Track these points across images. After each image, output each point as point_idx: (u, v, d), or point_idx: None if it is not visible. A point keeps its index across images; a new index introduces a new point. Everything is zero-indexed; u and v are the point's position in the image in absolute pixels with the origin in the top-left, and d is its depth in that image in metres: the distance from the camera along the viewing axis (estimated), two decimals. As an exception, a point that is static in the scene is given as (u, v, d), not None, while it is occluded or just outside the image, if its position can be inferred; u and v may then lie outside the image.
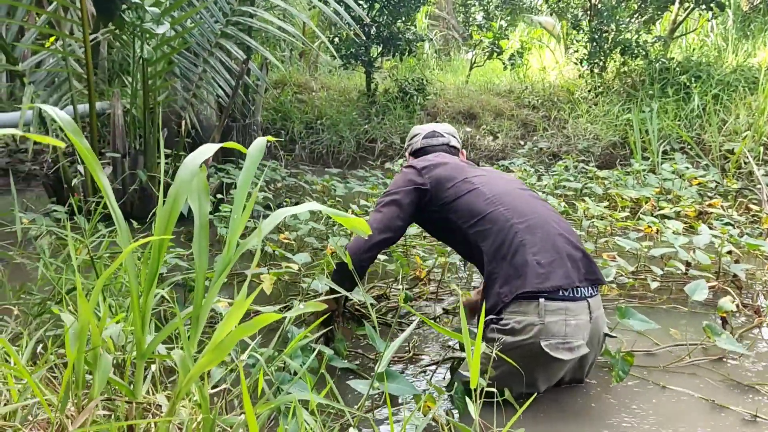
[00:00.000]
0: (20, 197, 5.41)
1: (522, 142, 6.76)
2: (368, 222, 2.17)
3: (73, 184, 4.24)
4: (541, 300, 1.86)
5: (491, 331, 1.94)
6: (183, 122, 4.56)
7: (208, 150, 1.01)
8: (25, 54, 4.46)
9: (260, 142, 1.05)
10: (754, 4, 8.91)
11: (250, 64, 4.84)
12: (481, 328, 1.35)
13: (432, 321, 1.76)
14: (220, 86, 4.54)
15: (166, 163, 4.65)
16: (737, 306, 2.82)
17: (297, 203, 4.76)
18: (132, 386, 1.06)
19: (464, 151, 2.68)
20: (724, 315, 2.51)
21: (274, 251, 3.19)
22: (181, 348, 1.03)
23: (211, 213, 4.19)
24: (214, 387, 1.44)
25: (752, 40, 8.09)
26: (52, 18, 4.15)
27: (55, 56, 4.39)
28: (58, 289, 2.09)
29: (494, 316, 1.95)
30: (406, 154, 2.62)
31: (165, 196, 1.02)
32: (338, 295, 2.11)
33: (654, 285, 2.96)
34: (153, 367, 1.34)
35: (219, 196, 4.34)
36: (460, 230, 2.14)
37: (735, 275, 3.04)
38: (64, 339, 1.02)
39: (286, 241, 3.65)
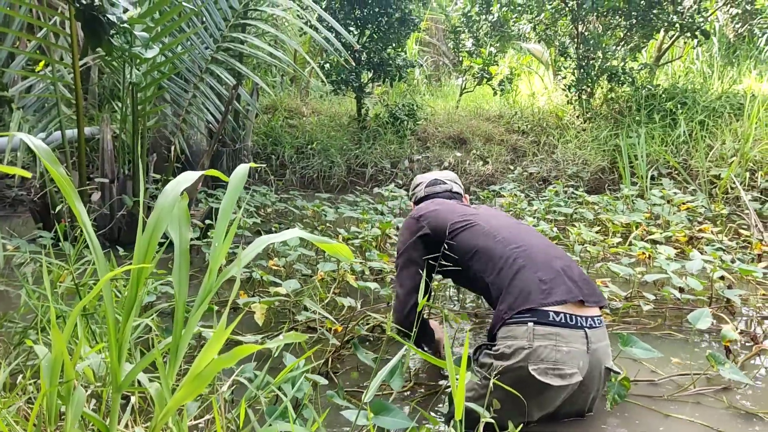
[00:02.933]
0: (7, 223, 5.35)
1: (512, 167, 6.78)
2: (396, 291, 2.36)
3: (59, 210, 4.19)
4: (530, 324, 1.85)
5: (484, 356, 1.95)
6: (173, 147, 4.54)
7: (188, 177, 0.99)
8: (15, 79, 4.43)
9: (242, 170, 1.03)
10: (739, 32, 9.07)
11: (240, 90, 4.85)
12: (466, 353, 1.33)
13: (420, 350, 1.72)
14: (210, 111, 4.54)
15: (155, 188, 4.61)
16: (741, 333, 2.81)
17: (287, 228, 4.74)
18: (108, 420, 1.02)
19: (467, 196, 2.79)
20: (728, 344, 2.46)
21: (262, 277, 3.15)
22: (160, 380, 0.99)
23: (198, 239, 4.16)
24: (197, 417, 1.40)
25: (737, 67, 8.21)
26: (42, 44, 4.14)
27: (44, 81, 4.38)
28: (40, 317, 2.04)
29: (488, 343, 1.96)
30: (411, 202, 2.75)
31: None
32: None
33: (646, 308, 2.94)
34: (132, 398, 1.29)
35: (208, 221, 4.30)
36: (464, 266, 2.19)
37: (728, 300, 3.03)
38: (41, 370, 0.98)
39: (275, 267, 3.61)
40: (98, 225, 4.35)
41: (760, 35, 8.88)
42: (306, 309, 3.18)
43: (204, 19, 4.41)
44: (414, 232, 2.36)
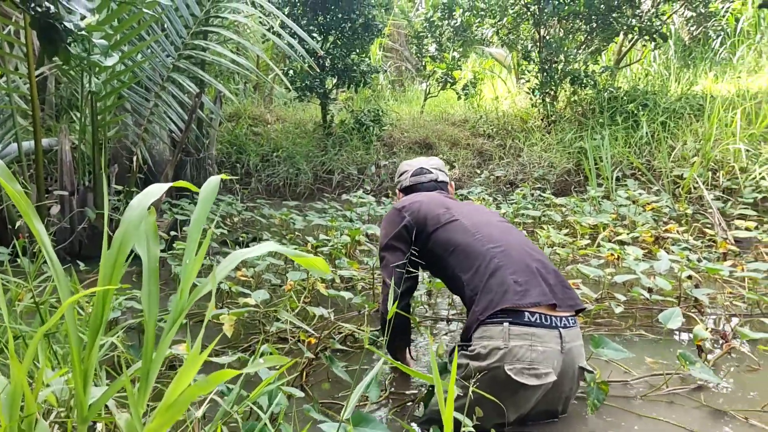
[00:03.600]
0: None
1: (478, 171, 6.81)
2: (384, 281, 2.34)
3: (17, 225, 4.03)
4: (506, 324, 1.85)
5: (459, 357, 1.93)
6: (135, 158, 4.42)
7: (156, 191, 0.94)
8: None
9: (213, 182, 0.98)
10: (694, 35, 9.30)
11: (204, 98, 4.75)
12: (434, 360, 1.31)
13: (398, 361, 1.69)
14: (172, 120, 4.44)
15: (117, 200, 4.48)
16: (712, 331, 2.85)
17: (254, 238, 4.65)
18: (74, 453, 0.96)
19: (452, 183, 2.79)
20: (700, 343, 2.49)
21: (230, 288, 3.08)
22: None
23: (164, 251, 4.05)
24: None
25: (693, 69, 8.42)
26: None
27: (-3, 92, 4.22)
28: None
29: (464, 344, 1.95)
30: (396, 190, 2.74)
31: (113, 234, 0.93)
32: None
33: (618, 309, 2.96)
34: (99, 425, 1.22)
35: (173, 233, 4.19)
36: (441, 261, 2.20)
37: (696, 299, 3.07)
38: None
39: (244, 278, 3.53)
40: (58, 239, 4.20)
41: (714, 37, 9.13)
42: (278, 320, 3.12)
43: (165, 26, 4.31)
44: (396, 223, 2.35)
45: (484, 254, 2.04)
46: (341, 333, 2.88)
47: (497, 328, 1.86)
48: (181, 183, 1.05)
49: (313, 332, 2.58)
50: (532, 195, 5.70)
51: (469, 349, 1.91)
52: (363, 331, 3.01)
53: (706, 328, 2.52)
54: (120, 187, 4.89)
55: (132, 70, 4.08)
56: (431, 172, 2.63)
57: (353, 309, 3.26)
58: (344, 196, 5.97)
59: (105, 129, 4.24)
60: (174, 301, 0.93)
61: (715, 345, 2.72)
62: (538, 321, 1.88)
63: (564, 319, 1.94)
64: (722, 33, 8.82)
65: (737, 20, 9.02)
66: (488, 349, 1.86)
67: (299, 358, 2.50)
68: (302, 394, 1.90)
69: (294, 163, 7.07)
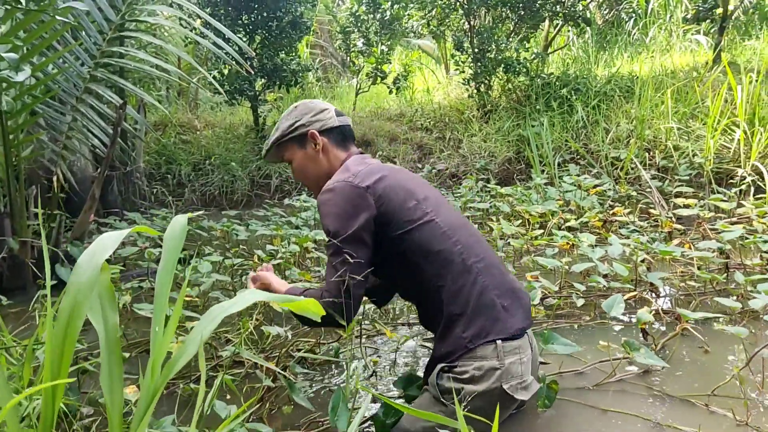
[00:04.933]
0: None
1: (420, 166, 6.73)
2: (329, 278, 1.80)
3: None
4: (499, 342, 1.73)
5: (447, 381, 1.75)
6: (54, 177, 4.06)
7: (107, 243, 0.75)
8: None
9: (179, 225, 0.81)
10: (607, 18, 9.54)
11: (128, 108, 4.42)
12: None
13: (389, 399, 1.53)
14: (94, 135, 4.10)
15: (38, 224, 4.12)
16: (658, 313, 2.85)
17: (198, 253, 4.38)
18: None
19: None
20: (644, 326, 2.54)
21: (176, 313, 2.84)
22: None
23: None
24: None
25: (609, 51, 8.64)
26: None
27: None
28: None
29: (447, 364, 1.76)
30: (313, 131, 1.96)
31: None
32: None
33: (580, 302, 2.93)
34: None
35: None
36: (412, 266, 1.81)
37: (652, 283, 3.07)
38: None
39: (188, 298, 3.30)
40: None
41: (627, 19, 9.40)
42: (229, 341, 2.91)
43: (77, 34, 3.97)
44: (360, 206, 1.77)
45: (469, 269, 1.79)
46: (299, 350, 2.71)
47: (489, 347, 1.73)
48: (142, 228, 0.87)
49: (266, 363, 2.28)
50: (477, 186, 5.66)
51: (457, 371, 1.74)
52: (324, 343, 2.86)
53: (650, 311, 2.52)
54: (40, 210, 4.51)
55: (44, 84, 3.73)
56: (347, 117, 2.05)
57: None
58: (286, 201, 5.75)
59: (19, 149, 3.87)
60: (144, 381, 0.75)
61: (671, 326, 2.73)
62: (519, 332, 1.79)
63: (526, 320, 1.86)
64: (634, 15, 9.09)
65: (647, 1, 9.31)
66: (483, 370, 1.71)
67: (257, 382, 2.32)
68: (271, 430, 1.73)
69: (229, 170, 6.77)
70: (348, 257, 1.75)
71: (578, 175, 5.25)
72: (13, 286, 3.89)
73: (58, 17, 2.82)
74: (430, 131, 7.30)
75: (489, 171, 6.26)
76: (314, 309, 0.89)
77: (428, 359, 1.88)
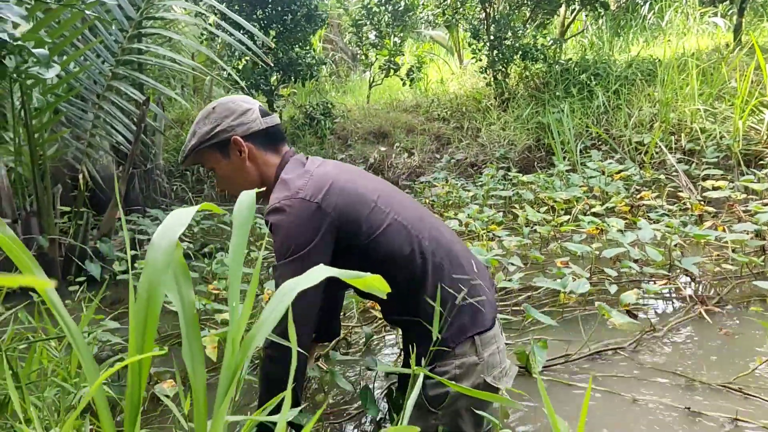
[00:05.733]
0: None
1: (438, 156, 6.69)
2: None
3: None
4: (476, 337, 1.65)
5: (433, 388, 1.63)
6: (80, 175, 4.08)
7: (180, 219, 0.74)
8: None
9: (247, 198, 0.79)
10: (621, 3, 9.42)
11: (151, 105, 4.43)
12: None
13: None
14: (118, 132, 4.11)
15: (66, 223, 4.15)
16: (689, 298, 2.82)
17: (221, 248, 4.38)
18: None
19: None
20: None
21: (205, 305, 2.84)
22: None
23: (125, 272, 3.77)
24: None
25: (624, 37, 8.54)
26: None
27: None
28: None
29: (429, 367, 1.65)
30: (235, 137, 1.67)
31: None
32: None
33: (613, 289, 2.88)
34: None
35: (133, 252, 3.90)
36: (383, 275, 1.61)
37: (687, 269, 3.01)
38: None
39: (216, 291, 3.30)
40: (5, 270, 3.85)
41: (642, 3, 9.28)
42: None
43: (99, 32, 3.98)
44: (316, 223, 1.55)
45: (440, 266, 1.65)
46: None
47: (467, 343, 1.65)
48: (208, 205, 0.86)
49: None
50: (498, 175, 5.62)
51: (439, 373, 1.63)
52: (359, 331, 2.85)
53: (687, 297, 2.52)
54: (66, 209, 4.54)
55: (67, 82, 3.74)
56: (273, 115, 1.77)
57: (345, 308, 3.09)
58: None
59: (44, 148, 3.89)
60: (225, 357, 0.74)
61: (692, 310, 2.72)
62: (492, 321, 1.71)
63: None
64: (649, -1, 8.99)
65: (663, -16, 9.19)
66: (465, 367, 1.64)
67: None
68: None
69: (247, 165, 6.77)
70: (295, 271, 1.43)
71: (601, 161, 5.19)
72: (43, 284, 3.93)
73: (86, 12, 2.81)
74: (448, 121, 7.25)
75: (509, 159, 6.21)
76: (379, 286, 0.87)
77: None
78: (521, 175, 5.24)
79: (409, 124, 7.25)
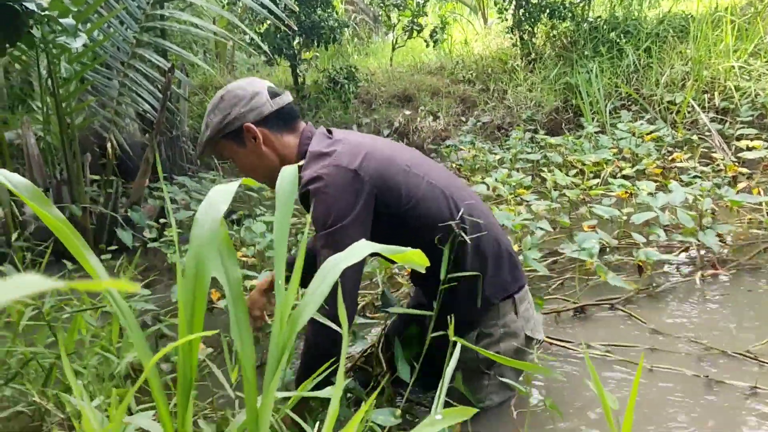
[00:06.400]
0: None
1: (463, 119, 6.60)
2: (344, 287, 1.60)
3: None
4: (515, 295, 1.74)
5: (484, 346, 1.69)
6: (109, 144, 4.12)
7: (222, 196, 0.74)
8: None
9: (290, 173, 0.78)
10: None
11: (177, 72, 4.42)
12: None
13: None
14: (144, 99, 4.12)
15: (97, 191, 4.22)
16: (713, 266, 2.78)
17: (248, 215, 4.41)
18: None
19: None
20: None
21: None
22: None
23: (155, 240, 3.82)
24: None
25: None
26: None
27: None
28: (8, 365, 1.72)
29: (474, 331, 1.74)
30: (247, 124, 1.64)
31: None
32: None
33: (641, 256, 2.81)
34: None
35: (162, 220, 3.95)
36: (417, 241, 1.51)
37: (719, 234, 2.94)
38: None
39: (245, 258, 3.34)
40: (37, 238, 3.92)
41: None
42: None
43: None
44: (358, 190, 1.53)
45: (474, 227, 1.67)
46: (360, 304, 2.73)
47: (507, 302, 1.73)
48: (248, 181, 0.85)
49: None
50: (525, 137, 5.54)
51: (486, 335, 1.72)
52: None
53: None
54: (96, 177, 4.60)
55: (92, 50, 3.75)
56: (285, 93, 1.74)
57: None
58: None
59: (72, 117, 3.92)
60: (273, 334, 0.74)
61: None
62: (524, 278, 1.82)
63: None
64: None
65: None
66: (508, 326, 1.73)
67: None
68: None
69: (271, 131, 6.76)
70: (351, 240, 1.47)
71: (631, 121, 5.08)
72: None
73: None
74: (473, 83, 7.13)
75: (536, 121, 6.10)
76: (419, 260, 0.86)
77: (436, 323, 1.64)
78: (549, 137, 5.15)
79: (434, 87, 7.15)
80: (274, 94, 1.67)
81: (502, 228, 1.83)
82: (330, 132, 1.71)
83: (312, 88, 7.44)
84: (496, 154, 5.09)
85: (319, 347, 1.52)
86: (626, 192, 3.48)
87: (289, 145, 1.68)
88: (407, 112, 6.77)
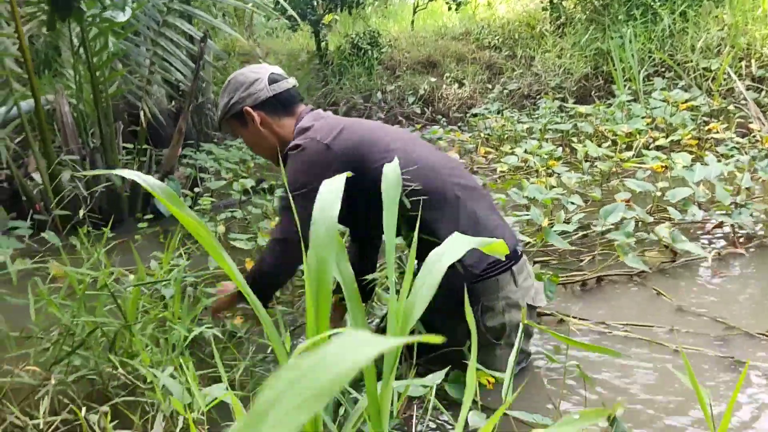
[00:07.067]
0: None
1: (489, 86, 6.54)
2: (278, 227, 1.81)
3: (31, 197, 3.82)
4: (513, 267, 1.77)
5: (489, 319, 1.75)
6: (141, 112, 4.14)
7: (333, 189, 0.76)
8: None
9: (394, 172, 0.80)
10: None
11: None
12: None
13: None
14: (176, 68, 4.12)
15: (131, 158, 4.26)
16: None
17: (281, 185, 4.44)
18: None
19: None
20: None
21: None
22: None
23: (190, 207, 3.87)
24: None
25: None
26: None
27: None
28: (73, 332, 1.77)
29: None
30: (246, 107, 1.81)
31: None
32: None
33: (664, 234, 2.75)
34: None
35: (196, 189, 4.00)
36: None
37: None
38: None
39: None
40: (75, 206, 3.97)
41: None
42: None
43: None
44: (325, 163, 1.68)
45: (455, 201, 1.75)
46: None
47: (506, 274, 1.75)
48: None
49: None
50: (553, 106, 5.47)
51: (487, 308, 1.75)
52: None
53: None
54: (129, 145, 4.64)
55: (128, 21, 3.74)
56: (287, 78, 1.89)
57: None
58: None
59: (105, 85, 3.94)
60: (389, 330, 0.77)
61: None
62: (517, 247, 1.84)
63: None
64: None
65: None
66: (509, 298, 1.75)
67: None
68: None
69: (296, 97, 6.74)
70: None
71: (664, 89, 4.98)
72: (113, 219, 4.05)
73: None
74: (499, 49, 7.03)
75: (565, 89, 6.03)
76: (502, 249, 0.88)
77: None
78: (578, 106, 5.09)
79: (459, 53, 7.06)
80: (273, 81, 1.84)
81: (490, 204, 1.86)
82: (323, 111, 1.90)
83: (335, 54, 7.38)
84: (524, 123, 5.05)
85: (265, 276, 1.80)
86: (662, 166, 3.44)
87: (286, 126, 1.86)
88: (432, 79, 6.71)
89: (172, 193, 0.71)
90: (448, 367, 1.39)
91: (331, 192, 0.77)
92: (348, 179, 1.53)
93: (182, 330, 1.66)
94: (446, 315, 1.48)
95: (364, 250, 2.17)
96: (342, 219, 2.02)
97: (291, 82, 1.88)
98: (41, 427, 1.39)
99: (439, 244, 1.60)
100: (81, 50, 3.71)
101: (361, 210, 1.64)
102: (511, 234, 1.86)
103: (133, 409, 1.51)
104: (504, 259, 1.71)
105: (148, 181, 0.74)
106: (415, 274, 0.77)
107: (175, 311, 1.68)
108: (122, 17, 2.24)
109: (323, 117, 1.84)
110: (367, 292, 2.09)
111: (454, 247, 0.78)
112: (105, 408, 1.41)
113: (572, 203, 3.08)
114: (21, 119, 3.85)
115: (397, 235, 1.73)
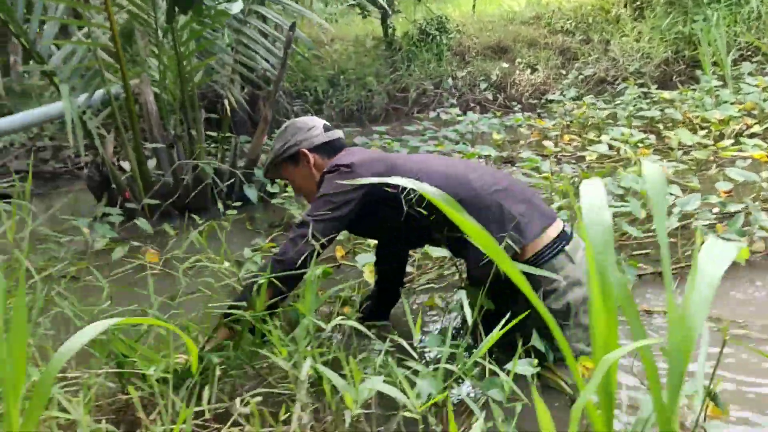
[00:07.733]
0: (52, 202, 5.08)
1: (563, 72, 6.39)
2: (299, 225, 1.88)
3: (119, 183, 3.94)
4: (566, 248, 1.83)
5: (553, 302, 1.79)
6: (226, 101, 4.21)
7: (599, 196, 0.74)
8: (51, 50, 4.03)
9: (657, 173, 0.77)
10: None
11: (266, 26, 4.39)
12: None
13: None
14: (262, 57, 4.16)
15: (215, 147, 4.35)
16: None
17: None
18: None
19: None
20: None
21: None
22: None
23: (274, 194, 3.91)
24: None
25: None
26: (74, 6, 3.76)
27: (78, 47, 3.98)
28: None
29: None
30: (302, 149, 2.02)
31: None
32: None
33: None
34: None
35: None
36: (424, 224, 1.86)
37: None
38: None
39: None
40: (162, 193, 4.06)
41: None
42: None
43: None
44: (350, 188, 1.84)
45: (491, 195, 1.85)
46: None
47: (560, 255, 1.82)
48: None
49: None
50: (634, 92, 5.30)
51: (550, 291, 1.79)
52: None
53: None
54: (213, 134, 4.73)
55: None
56: (337, 130, 2.14)
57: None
58: (431, 114, 5.68)
59: (192, 74, 4.02)
60: (671, 344, 0.73)
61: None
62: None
63: None
64: None
65: None
66: (569, 277, 1.80)
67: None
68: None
69: (365, 85, 6.74)
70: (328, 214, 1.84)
71: (752, 73, 4.77)
72: (198, 206, 4.14)
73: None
74: (573, 34, 6.84)
75: (644, 74, 5.83)
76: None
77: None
78: (662, 91, 4.93)
79: (530, 38, 6.91)
80: (327, 129, 2.08)
81: (516, 193, 1.89)
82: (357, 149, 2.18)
83: (403, 40, 7.32)
84: (603, 109, 4.92)
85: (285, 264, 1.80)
86: (765, 155, 3.29)
87: None
88: (505, 65, 6.60)
89: (451, 201, 0.70)
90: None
91: (595, 194, 0.74)
92: (375, 196, 1.85)
93: (310, 321, 1.67)
94: (512, 302, 1.57)
95: (389, 261, 2.29)
96: (369, 232, 2.23)
97: (340, 132, 2.13)
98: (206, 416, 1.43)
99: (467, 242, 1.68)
100: (164, 40, 3.77)
101: (388, 224, 1.93)
102: (545, 216, 1.87)
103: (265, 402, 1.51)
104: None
105: (424, 189, 0.73)
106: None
107: (306, 304, 1.69)
108: (236, 8, 2.27)
109: (353, 152, 2.04)
110: (390, 301, 2.31)
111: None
112: (258, 398, 1.43)
113: (671, 194, 2.98)
114: (112, 108, 3.96)
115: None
